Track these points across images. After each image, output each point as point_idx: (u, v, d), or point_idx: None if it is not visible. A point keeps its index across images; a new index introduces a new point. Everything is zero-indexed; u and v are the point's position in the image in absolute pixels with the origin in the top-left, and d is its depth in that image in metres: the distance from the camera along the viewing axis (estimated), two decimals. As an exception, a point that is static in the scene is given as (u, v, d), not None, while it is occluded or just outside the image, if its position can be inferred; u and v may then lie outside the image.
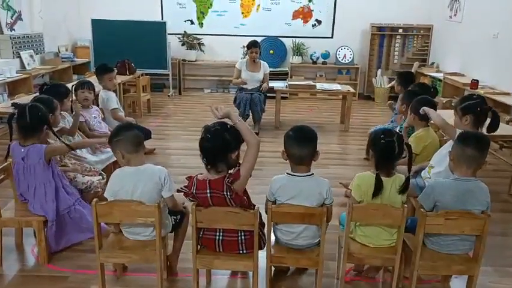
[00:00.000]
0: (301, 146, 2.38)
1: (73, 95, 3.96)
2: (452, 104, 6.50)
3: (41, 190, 2.84)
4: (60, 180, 2.94)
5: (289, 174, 2.43)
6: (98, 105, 4.56)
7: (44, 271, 2.82)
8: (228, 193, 2.26)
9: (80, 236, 3.03)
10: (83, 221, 2.99)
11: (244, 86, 6.06)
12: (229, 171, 2.30)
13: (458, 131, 2.96)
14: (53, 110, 3.19)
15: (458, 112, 3.07)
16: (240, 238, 2.38)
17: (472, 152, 2.36)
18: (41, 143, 2.85)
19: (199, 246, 2.43)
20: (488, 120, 3.07)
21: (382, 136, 2.42)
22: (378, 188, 2.36)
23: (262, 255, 2.44)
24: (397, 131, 3.43)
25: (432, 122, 3.35)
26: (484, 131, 3.03)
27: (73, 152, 3.36)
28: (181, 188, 2.40)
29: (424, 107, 3.30)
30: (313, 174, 2.43)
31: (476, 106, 3.01)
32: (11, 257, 2.98)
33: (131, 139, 2.46)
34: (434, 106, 3.50)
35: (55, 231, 2.88)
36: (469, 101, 3.08)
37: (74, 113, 3.68)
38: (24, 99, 4.66)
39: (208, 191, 2.28)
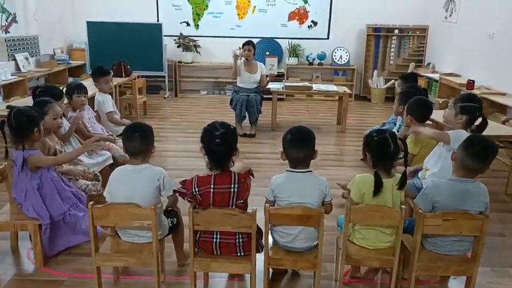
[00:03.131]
0: (300, 148, 2.41)
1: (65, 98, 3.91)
2: (450, 99, 6.53)
3: (31, 195, 2.80)
4: (54, 187, 2.88)
5: (289, 170, 2.46)
6: (93, 108, 4.53)
7: (40, 275, 2.80)
8: (236, 185, 2.31)
9: (75, 239, 3.00)
10: (77, 225, 2.95)
11: (241, 85, 6.06)
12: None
13: (451, 132, 3.00)
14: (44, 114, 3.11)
15: (456, 108, 3.10)
16: (237, 240, 2.38)
17: (475, 163, 2.35)
18: (35, 147, 2.81)
19: (196, 249, 2.41)
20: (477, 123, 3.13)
21: (375, 134, 2.46)
22: (378, 186, 2.35)
23: (260, 257, 2.42)
24: (395, 131, 3.43)
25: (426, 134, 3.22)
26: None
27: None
28: (178, 189, 2.40)
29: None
30: (311, 171, 2.45)
31: (476, 111, 3.08)
32: (6, 260, 2.95)
33: (127, 147, 2.50)
34: (430, 107, 3.51)
35: (49, 235, 2.85)
36: (470, 102, 3.12)
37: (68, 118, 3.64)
38: (20, 101, 4.64)
39: (212, 186, 2.30)
